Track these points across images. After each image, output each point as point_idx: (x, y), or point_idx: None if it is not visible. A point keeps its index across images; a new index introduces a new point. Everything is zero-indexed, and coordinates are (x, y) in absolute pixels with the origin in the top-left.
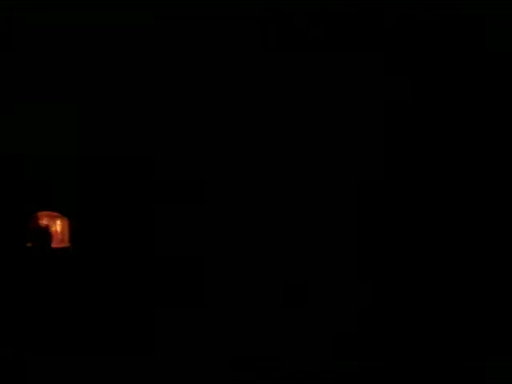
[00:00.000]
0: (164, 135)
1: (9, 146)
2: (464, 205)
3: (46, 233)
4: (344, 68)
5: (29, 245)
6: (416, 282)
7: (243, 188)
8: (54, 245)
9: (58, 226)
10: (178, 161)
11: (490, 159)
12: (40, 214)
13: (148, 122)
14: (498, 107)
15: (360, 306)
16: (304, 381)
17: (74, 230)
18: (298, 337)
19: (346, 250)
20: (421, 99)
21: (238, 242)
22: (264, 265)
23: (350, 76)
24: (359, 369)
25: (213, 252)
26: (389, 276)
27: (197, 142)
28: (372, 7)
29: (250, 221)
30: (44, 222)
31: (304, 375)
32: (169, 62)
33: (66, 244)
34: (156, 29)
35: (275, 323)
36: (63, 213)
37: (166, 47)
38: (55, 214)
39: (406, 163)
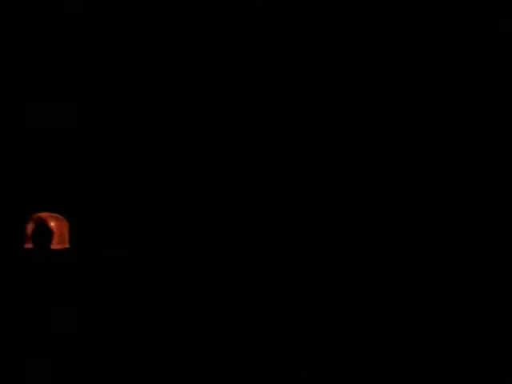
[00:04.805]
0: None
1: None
2: (462, 204)
3: (45, 234)
4: (343, 68)
5: (28, 246)
6: (416, 283)
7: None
8: (54, 246)
9: (57, 226)
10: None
11: (490, 159)
12: (39, 214)
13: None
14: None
15: (360, 308)
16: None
17: (73, 231)
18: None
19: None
20: (420, 99)
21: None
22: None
23: (349, 76)
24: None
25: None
26: (389, 278)
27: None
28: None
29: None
30: (43, 222)
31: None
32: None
33: (65, 245)
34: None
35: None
36: (63, 213)
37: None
38: (55, 214)
39: (405, 163)
